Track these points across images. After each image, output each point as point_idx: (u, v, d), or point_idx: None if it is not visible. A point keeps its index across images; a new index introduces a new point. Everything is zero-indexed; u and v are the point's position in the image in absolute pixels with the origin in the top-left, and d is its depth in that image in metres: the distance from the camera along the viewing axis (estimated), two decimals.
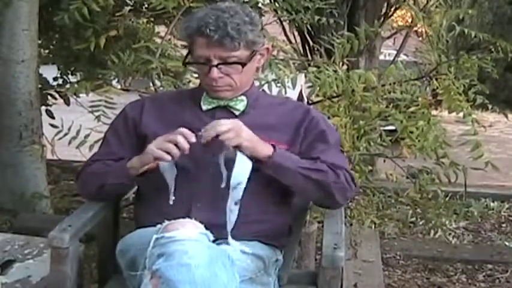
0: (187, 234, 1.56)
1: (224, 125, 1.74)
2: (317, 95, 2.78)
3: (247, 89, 1.92)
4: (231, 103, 1.90)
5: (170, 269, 1.50)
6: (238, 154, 1.76)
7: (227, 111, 1.90)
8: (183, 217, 1.65)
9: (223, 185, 1.77)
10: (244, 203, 1.79)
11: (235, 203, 1.76)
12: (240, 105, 1.91)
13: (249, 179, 1.77)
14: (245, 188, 1.77)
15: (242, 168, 1.76)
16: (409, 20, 4.98)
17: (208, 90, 1.89)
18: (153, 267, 1.53)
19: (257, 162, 1.77)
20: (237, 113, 1.90)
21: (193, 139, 1.74)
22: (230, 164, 1.76)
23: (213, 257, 1.54)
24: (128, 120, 1.96)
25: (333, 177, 1.84)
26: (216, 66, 1.81)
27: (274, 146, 1.79)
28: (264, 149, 1.78)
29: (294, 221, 2.02)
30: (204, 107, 1.91)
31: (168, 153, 1.73)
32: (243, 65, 1.83)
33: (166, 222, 1.62)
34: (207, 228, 1.64)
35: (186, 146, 1.73)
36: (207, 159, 1.81)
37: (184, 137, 1.73)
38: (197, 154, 1.78)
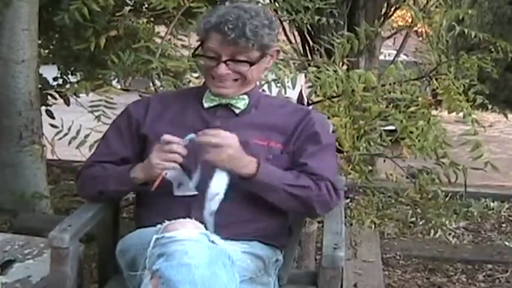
0: (187, 234, 1.56)
1: (215, 136, 1.74)
2: (317, 95, 2.78)
3: (249, 89, 1.92)
4: (232, 101, 1.90)
5: (170, 269, 1.50)
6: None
7: (228, 110, 1.91)
8: (183, 217, 1.65)
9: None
10: (240, 202, 1.80)
11: (210, 214, 1.76)
12: (241, 103, 1.91)
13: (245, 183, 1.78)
14: (241, 187, 1.78)
15: (219, 180, 1.77)
16: (409, 20, 4.98)
17: (211, 86, 1.89)
18: (153, 267, 1.53)
19: (240, 178, 1.78)
20: (237, 111, 1.91)
21: (182, 142, 1.75)
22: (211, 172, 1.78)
23: (213, 257, 1.54)
24: (131, 119, 1.96)
25: (316, 191, 1.84)
26: (225, 62, 1.82)
27: (258, 164, 1.78)
28: (248, 167, 1.77)
29: (293, 221, 2.02)
30: (206, 105, 1.91)
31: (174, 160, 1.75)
32: (251, 64, 1.84)
33: (167, 222, 1.62)
34: (206, 229, 1.65)
35: (184, 151, 1.75)
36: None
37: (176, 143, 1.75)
38: (197, 156, 1.78)
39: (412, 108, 2.80)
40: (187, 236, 1.55)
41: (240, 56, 1.81)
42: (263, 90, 2.59)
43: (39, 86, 3.76)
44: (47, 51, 4.77)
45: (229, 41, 1.78)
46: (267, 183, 1.80)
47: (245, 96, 1.91)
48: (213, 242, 1.60)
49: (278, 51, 1.95)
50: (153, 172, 1.78)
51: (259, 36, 1.79)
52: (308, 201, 1.84)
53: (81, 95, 3.17)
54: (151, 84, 2.89)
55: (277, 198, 1.83)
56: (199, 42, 1.90)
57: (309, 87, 2.78)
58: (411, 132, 2.70)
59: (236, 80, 1.86)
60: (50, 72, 4.51)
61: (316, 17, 3.17)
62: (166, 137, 1.76)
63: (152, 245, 1.58)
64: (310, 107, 2.79)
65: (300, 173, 1.85)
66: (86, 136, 2.75)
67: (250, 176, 1.78)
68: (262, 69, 1.93)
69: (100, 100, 2.72)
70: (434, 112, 2.88)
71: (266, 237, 1.86)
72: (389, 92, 2.81)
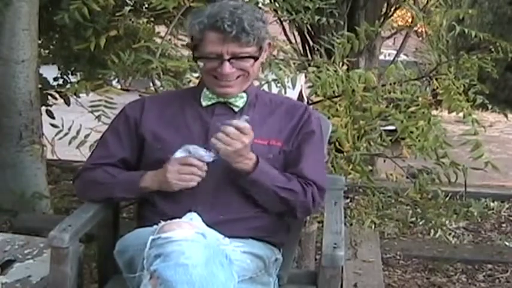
0: (183, 234, 1.56)
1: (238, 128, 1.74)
2: (317, 95, 2.78)
3: (247, 87, 1.92)
4: (230, 99, 1.90)
5: (167, 269, 1.50)
6: None
7: (227, 108, 1.91)
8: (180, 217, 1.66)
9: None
10: (237, 200, 1.82)
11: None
12: (240, 101, 1.91)
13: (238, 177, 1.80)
14: (235, 185, 1.81)
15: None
16: (409, 20, 4.98)
17: (214, 86, 1.88)
18: (150, 268, 1.54)
19: (237, 173, 1.80)
20: (236, 109, 1.91)
21: (204, 167, 1.77)
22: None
23: (210, 256, 1.54)
24: (129, 120, 1.95)
25: (302, 197, 1.86)
26: (228, 60, 1.81)
27: (257, 160, 1.79)
28: (247, 164, 1.79)
29: (293, 220, 2.02)
30: (204, 103, 1.91)
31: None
32: (255, 59, 1.84)
33: (163, 222, 1.62)
34: None
35: (203, 174, 1.78)
36: (208, 165, 1.81)
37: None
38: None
39: (412, 108, 2.80)
40: (184, 236, 1.55)
41: (242, 53, 1.81)
42: (263, 90, 2.59)
43: (39, 86, 3.75)
44: (47, 51, 4.76)
45: (231, 38, 1.78)
46: (261, 182, 1.81)
47: (243, 94, 1.91)
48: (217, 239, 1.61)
49: (270, 44, 1.95)
50: (169, 187, 1.80)
51: (256, 29, 1.80)
52: (292, 205, 1.86)
53: (81, 95, 3.17)
54: (151, 84, 2.89)
55: (264, 198, 1.84)
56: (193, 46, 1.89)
57: (309, 87, 2.78)
58: (411, 132, 2.70)
59: (238, 77, 1.86)
60: (50, 72, 4.51)
61: (316, 17, 3.17)
62: (197, 164, 1.76)
63: (149, 245, 1.58)
64: (310, 107, 2.79)
65: (291, 176, 1.86)
66: (86, 136, 2.76)
67: (247, 172, 1.79)
68: (260, 63, 1.93)
69: (100, 100, 2.73)
70: (434, 112, 2.89)
71: (263, 235, 1.87)
72: (390, 92, 2.81)
